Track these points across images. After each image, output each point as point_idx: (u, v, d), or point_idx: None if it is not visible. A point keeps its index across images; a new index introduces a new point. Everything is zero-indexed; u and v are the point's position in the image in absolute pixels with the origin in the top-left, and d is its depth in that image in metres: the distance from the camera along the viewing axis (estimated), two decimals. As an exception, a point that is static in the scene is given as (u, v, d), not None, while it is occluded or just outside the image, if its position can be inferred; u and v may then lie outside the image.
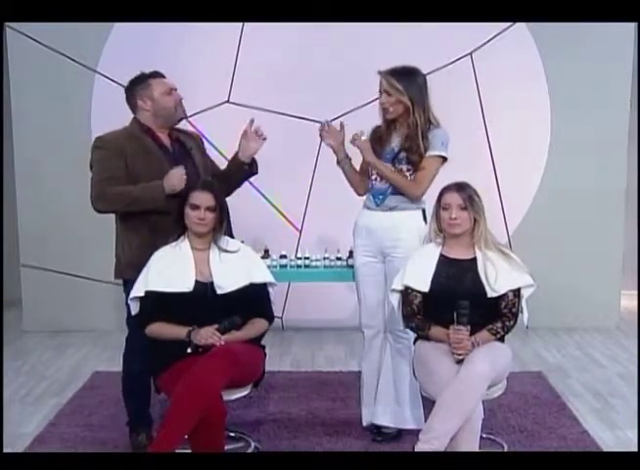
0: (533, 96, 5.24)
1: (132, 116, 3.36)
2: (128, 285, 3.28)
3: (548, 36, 5.14)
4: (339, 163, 3.48)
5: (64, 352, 4.97)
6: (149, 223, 3.24)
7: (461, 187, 3.16)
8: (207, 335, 2.99)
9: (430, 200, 3.37)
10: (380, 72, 3.33)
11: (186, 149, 3.39)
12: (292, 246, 4.56)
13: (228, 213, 3.22)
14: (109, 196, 3.21)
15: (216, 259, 3.15)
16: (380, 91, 3.34)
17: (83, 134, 4.98)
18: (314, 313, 5.41)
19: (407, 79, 3.29)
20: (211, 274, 3.12)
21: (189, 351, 2.99)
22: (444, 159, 3.34)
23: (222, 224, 3.17)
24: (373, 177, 3.41)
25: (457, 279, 3.13)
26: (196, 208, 3.11)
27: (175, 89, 3.35)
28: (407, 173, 3.34)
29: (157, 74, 3.34)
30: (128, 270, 3.27)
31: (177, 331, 3.04)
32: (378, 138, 3.41)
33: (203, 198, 3.11)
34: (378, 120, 3.44)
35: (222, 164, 5.31)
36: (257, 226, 4.67)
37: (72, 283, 5.32)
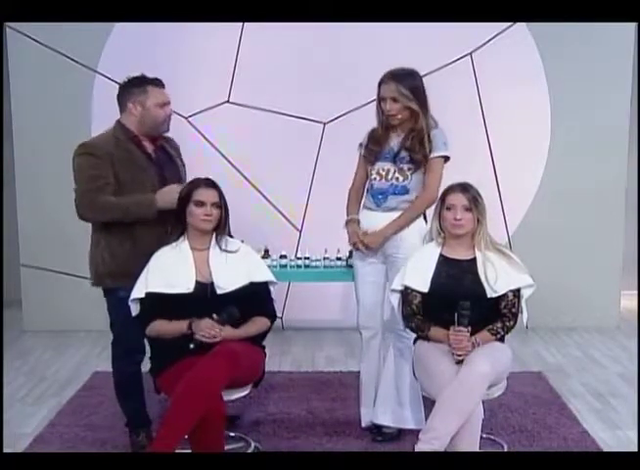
0: (533, 96, 5.24)
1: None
2: (109, 292, 3.29)
3: (548, 36, 5.14)
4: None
5: (64, 352, 4.97)
6: (132, 233, 3.21)
7: (465, 188, 3.16)
8: (207, 326, 2.99)
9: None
10: (383, 79, 3.29)
11: (169, 156, 3.36)
12: (292, 246, 4.56)
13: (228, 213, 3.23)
14: (99, 206, 3.15)
15: (216, 259, 3.15)
16: (383, 98, 3.29)
17: (83, 134, 4.97)
18: (314, 313, 5.41)
19: (412, 83, 3.27)
20: (211, 274, 3.12)
21: (192, 346, 2.99)
22: (447, 158, 3.35)
23: (226, 223, 3.18)
24: (372, 177, 3.40)
25: (457, 279, 3.13)
26: (202, 204, 3.11)
27: (169, 103, 3.28)
28: (408, 172, 3.34)
29: (157, 82, 3.26)
30: (108, 279, 3.25)
31: (178, 326, 3.04)
32: (376, 140, 3.40)
33: (208, 194, 3.12)
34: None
35: (222, 165, 5.33)
36: (257, 226, 4.67)
37: (72, 283, 5.32)
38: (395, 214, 3.35)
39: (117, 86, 3.31)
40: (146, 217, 3.17)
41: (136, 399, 3.41)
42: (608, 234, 5.36)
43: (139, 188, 3.20)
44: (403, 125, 3.34)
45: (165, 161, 3.34)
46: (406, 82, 3.27)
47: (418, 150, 3.29)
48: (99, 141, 3.26)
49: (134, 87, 3.24)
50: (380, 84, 3.32)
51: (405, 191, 3.35)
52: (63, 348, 5.05)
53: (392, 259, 3.39)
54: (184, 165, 3.47)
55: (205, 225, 3.13)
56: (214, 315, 3.02)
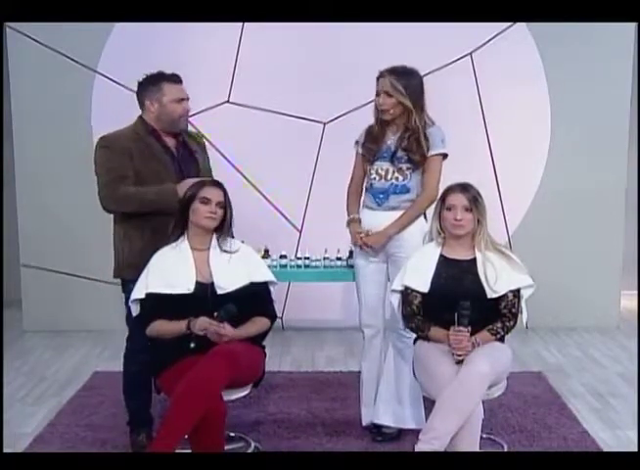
0: (533, 96, 5.24)
1: (134, 116, 3.34)
2: (127, 285, 3.28)
3: (548, 36, 5.14)
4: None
5: (64, 352, 4.97)
6: (151, 225, 3.24)
7: (465, 188, 3.16)
8: (204, 325, 2.98)
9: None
10: (381, 73, 3.31)
11: (191, 152, 3.38)
12: (292, 246, 4.56)
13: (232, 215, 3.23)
14: (121, 197, 3.19)
15: (216, 260, 3.15)
16: (378, 92, 3.32)
17: (83, 134, 4.99)
18: (314, 313, 5.41)
19: (408, 80, 3.28)
20: (212, 275, 3.12)
21: (192, 345, 2.99)
22: (445, 155, 3.35)
23: (229, 224, 3.18)
24: (372, 176, 3.40)
25: (457, 280, 3.13)
26: (207, 202, 3.11)
27: (187, 98, 3.32)
28: (407, 171, 3.33)
29: (173, 78, 3.29)
30: (128, 270, 3.27)
31: (177, 326, 3.04)
32: (373, 138, 3.40)
33: (214, 193, 3.13)
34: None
35: (222, 165, 5.32)
36: (257, 226, 4.66)
37: (72, 283, 5.33)
38: (397, 214, 3.35)
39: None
40: (167, 208, 3.18)
41: (142, 398, 3.41)
42: (608, 234, 5.36)
43: (157, 181, 3.22)
44: (398, 123, 3.34)
45: (185, 156, 3.36)
46: (402, 79, 3.27)
47: (415, 150, 3.29)
48: (118, 135, 3.29)
49: (150, 85, 3.28)
50: (378, 79, 3.33)
51: (406, 190, 3.35)
52: (63, 348, 5.05)
53: (394, 259, 3.39)
54: (208, 160, 3.49)
55: (207, 223, 3.13)
56: (215, 313, 3.02)
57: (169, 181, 3.24)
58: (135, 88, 3.34)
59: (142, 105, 3.31)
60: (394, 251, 3.39)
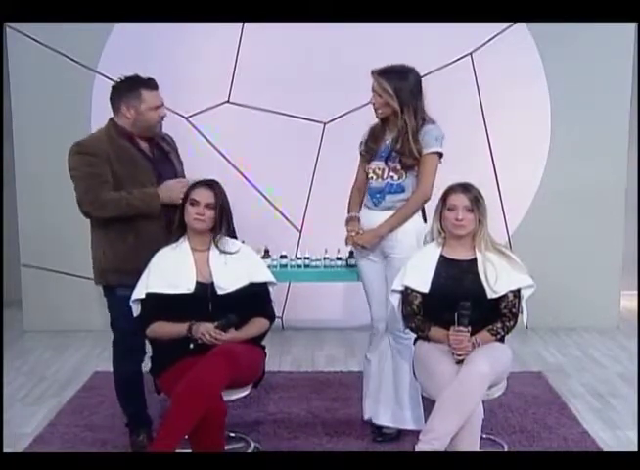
0: (533, 96, 5.24)
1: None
2: (111, 290, 3.27)
3: (548, 36, 5.14)
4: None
5: (64, 352, 4.97)
6: (134, 229, 3.21)
7: (467, 188, 3.15)
8: (206, 331, 2.99)
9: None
10: (372, 72, 3.31)
11: (165, 153, 3.37)
12: (292, 246, 4.56)
13: (231, 215, 3.21)
14: (105, 202, 3.15)
15: (216, 260, 3.15)
16: (372, 89, 3.33)
17: (83, 134, 4.96)
18: (314, 313, 5.41)
19: (398, 81, 3.25)
20: (212, 275, 3.12)
21: (191, 346, 3.00)
22: (440, 154, 3.34)
23: (222, 225, 3.17)
24: (369, 176, 3.40)
25: (457, 280, 3.13)
26: (195, 203, 3.11)
27: (162, 104, 3.27)
28: (403, 171, 3.32)
29: (150, 85, 3.24)
30: (112, 276, 3.24)
31: (178, 328, 3.04)
32: (374, 136, 3.41)
33: (203, 194, 3.12)
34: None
35: (222, 165, 5.32)
36: (257, 226, 4.66)
37: (72, 283, 5.32)
38: (392, 213, 3.36)
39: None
40: (150, 211, 3.18)
41: (137, 399, 3.41)
42: (608, 234, 5.36)
43: (136, 184, 3.20)
44: (392, 121, 3.34)
45: (161, 158, 3.34)
46: (392, 80, 3.26)
47: (408, 153, 3.27)
48: (94, 140, 3.26)
49: (127, 91, 3.22)
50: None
51: (401, 189, 3.34)
52: (63, 348, 5.05)
53: (389, 259, 3.39)
54: (182, 163, 3.47)
55: (196, 225, 3.13)
56: (215, 323, 3.02)
57: (147, 184, 3.22)
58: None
59: (117, 109, 3.25)
60: (389, 251, 3.39)
